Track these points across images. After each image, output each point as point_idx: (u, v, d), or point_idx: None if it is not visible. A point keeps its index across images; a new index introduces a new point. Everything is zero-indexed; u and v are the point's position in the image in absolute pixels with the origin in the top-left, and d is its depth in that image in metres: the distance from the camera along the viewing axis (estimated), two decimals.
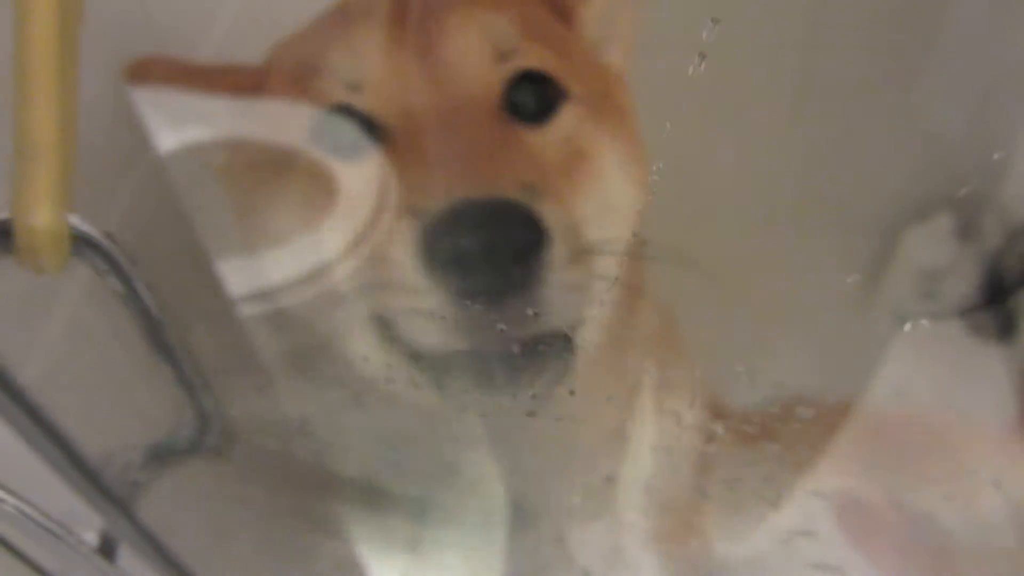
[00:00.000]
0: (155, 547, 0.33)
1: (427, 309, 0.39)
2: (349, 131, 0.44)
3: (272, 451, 0.38)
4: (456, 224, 0.37)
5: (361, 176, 0.44)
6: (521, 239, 0.37)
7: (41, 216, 0.25)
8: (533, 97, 0.46)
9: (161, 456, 0.34)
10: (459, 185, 0.39)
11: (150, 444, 0.34)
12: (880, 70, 1.17)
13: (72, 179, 0.27)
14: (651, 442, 0.60)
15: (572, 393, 0.44)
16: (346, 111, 0.43)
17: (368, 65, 0.44)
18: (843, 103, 1.19)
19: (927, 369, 1.22)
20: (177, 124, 1.02)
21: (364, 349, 0.44)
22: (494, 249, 0.37)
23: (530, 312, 0.39)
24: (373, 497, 0.54)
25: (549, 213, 0.38)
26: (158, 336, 0.31)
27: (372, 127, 0.43)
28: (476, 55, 0.44)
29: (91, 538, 0.30)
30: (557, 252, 0.38)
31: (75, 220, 0.27)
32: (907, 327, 1.24)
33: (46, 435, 0.29)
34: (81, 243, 0.28)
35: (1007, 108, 1.19)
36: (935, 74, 1.18)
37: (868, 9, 1.10)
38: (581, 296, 0.42)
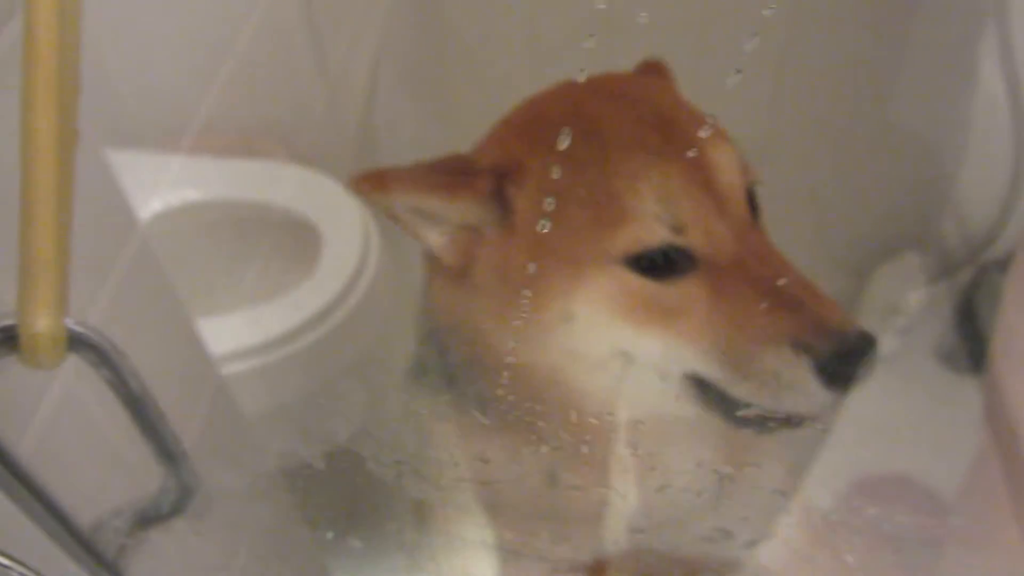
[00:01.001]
0: None
1: (808, 408, 0.53)
2: (668, 261, 0.54)
3: (249, 514, 0.41)
4: (848, 357, 0.52)
5: (679, 293, 0.54)
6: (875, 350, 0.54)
7: (42, 323, 0.29)
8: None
9: (146, 521, 0.38)
10: (821, 318, 0.53)
11: (136, 511, 0.38)
12: (847, 112, 1.23)
13: (67, 285, 0.31)
14: None
15: None
16: (671, 248, 0.53)
17: (686, 209, 0.53)
18: (811, 144, 1.24)
19: (902, 403, 1.25)
20: (165, 187, 1.07)
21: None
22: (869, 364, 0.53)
23: None
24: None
25: None
26: (142, 415, 0.35)
27: (688, 258, 0.53)
28: (740, 183, 0.57)
29: None
30: None
31: (70, 322, 0.31)
32: (880, 363, 1.27)
33: (43, 506, 0.33)
34: (76, 341, 0.32)
35: (973, 149, 1.24)
36: (902, 116, 1.23)
37: (832, 54, 1.16)
38: None
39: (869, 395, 1.37)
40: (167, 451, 0.36)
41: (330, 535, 0.62)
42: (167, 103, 1.03)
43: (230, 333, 0.95)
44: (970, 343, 1.26)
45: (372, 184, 0.56)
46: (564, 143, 0.53)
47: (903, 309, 1.22)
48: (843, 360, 0.52)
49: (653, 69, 0.73)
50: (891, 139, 1.20)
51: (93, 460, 0.39)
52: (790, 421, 0.56)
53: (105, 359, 0.33)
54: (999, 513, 0.83)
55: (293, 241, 1.07)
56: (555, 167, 0.53)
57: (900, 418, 1.24)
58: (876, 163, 1.23)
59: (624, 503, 0.64)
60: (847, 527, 1.04)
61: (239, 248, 1.08)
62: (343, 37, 1.06)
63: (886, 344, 1.27)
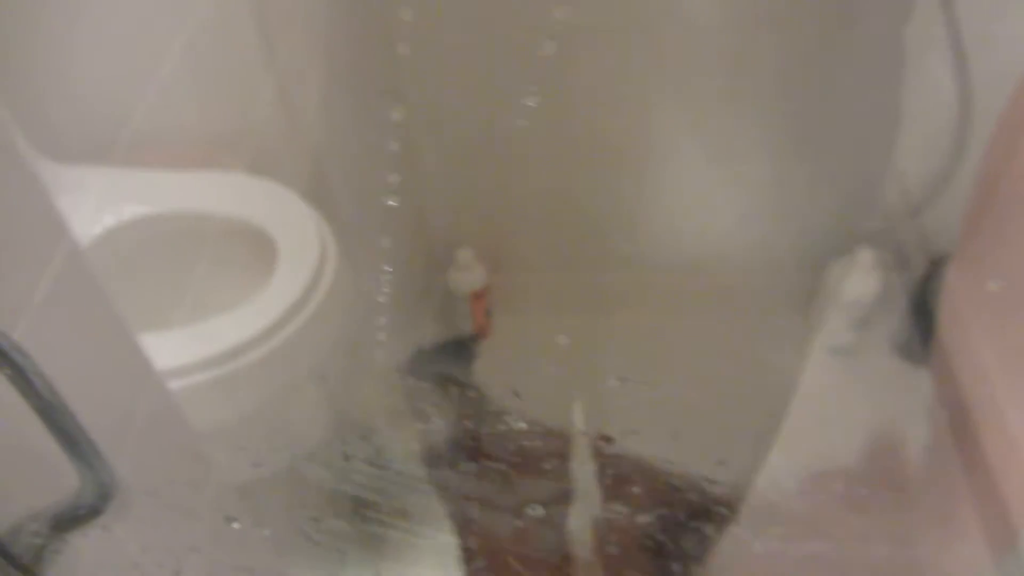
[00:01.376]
0: None
1: None
2: None
3: (174, 510, 0.41)
4: None
5: None
6: None
7: None
8: None
9: (64, 524, 0.37)
10: None
11: (55, 513, 0.37)
12: (795, 118, 1.25)
13: None
14: None
15: None
16: None
17: None
18: (761, 150, 1.26)
19: (861, 395, 1.27)
20: (119, 201, 1.06)
21: None
22: None
23: None
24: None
25: None
26: (48, 415, 0.35)
27: None
28: None
29: None
30: None
31: None
32: (840, 355, 1.30)
33: None
34: None
35: (921, 144, 1.26)
36: (848, 117, 1.25)
37: (778, 61, 1.18)
38: None
39: (829, 387, 1.39)
40: (80, 452, 0.36)
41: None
42: (114, 117, 1.03)
43: (187, 345, 0.94)
44: (925, 334, 1.28)
45: None
46: None
47: (859, 302, 1.23)
48: None
49: None
50: (841, 134, 1.22)
51: (8, 464, 0.38)
52: None
53: (5, 358, 0.33)
54: (956, 494, 0.85)
55: (250, 252, 1.07)
56: None
57: (859, 408, 1.26)
58: (828, 159, 1.26)
59: None
60: (809, 515, 1.05)
61: (196, 260, 1.08)
62: (292, 44, 1.07)
63: (844, 337, 1.29)
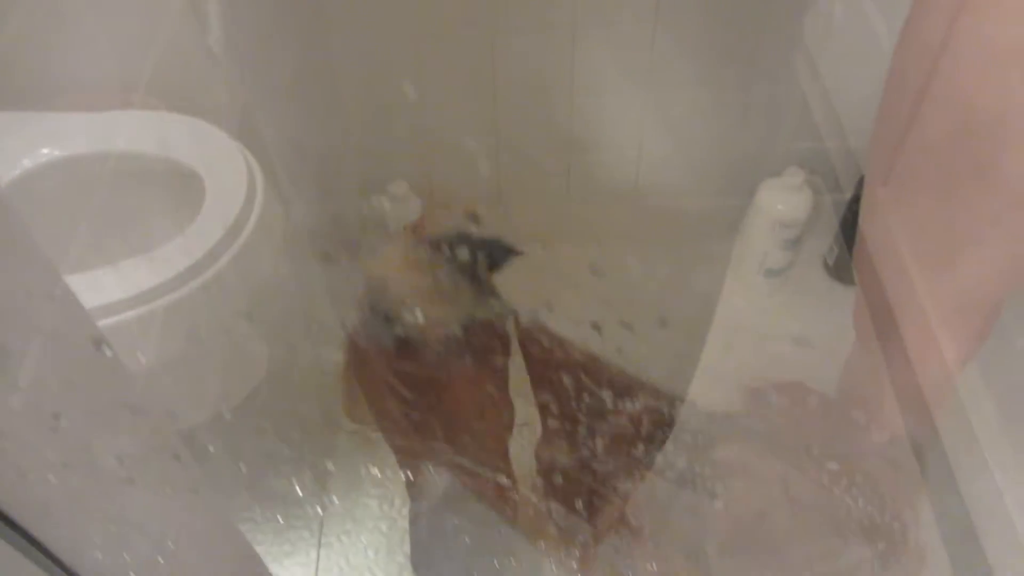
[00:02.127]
0: None
1: None
2: None
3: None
4: None
5: None
6: None
7: None
8: None
9: None
10: None
11: None
12: (723, 43, 1.25)
13: None
14: None
15: None
16: None
17: None
18: (690, 76, 1.26)
19: (791, 312, 1.30)
20: (35, 146, 1.03)
21: None
22: None
23: None
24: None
25: None
26: None
27: None
28: None
29: None
30: None
31: None
32: (773, 276, 1.32)
33: None
34: None
35: (845, 66, 1.28)
36: (774, 40, 1.26)
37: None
38: None
39: (762, 306, 1.42)
40: None
41: None
42: (22, 62, 1.00)
43: (112, 284, 0.92)
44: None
45: None
46: None
47: (790, 222, 1.25)
48: None
49: None
50: (768, 57, 1.23)
51: None
52: None
53: None
54: (880, 392, 0.88)
55: (176, 190, 1.05)
56: None
57: (791, 326, 1.29)
58: (756, 82, 1.27)
59: None
60: (744, 428, 1.08)
61: (120, 200, 1.06)
62: None
63: (777, 258, 1.31)
